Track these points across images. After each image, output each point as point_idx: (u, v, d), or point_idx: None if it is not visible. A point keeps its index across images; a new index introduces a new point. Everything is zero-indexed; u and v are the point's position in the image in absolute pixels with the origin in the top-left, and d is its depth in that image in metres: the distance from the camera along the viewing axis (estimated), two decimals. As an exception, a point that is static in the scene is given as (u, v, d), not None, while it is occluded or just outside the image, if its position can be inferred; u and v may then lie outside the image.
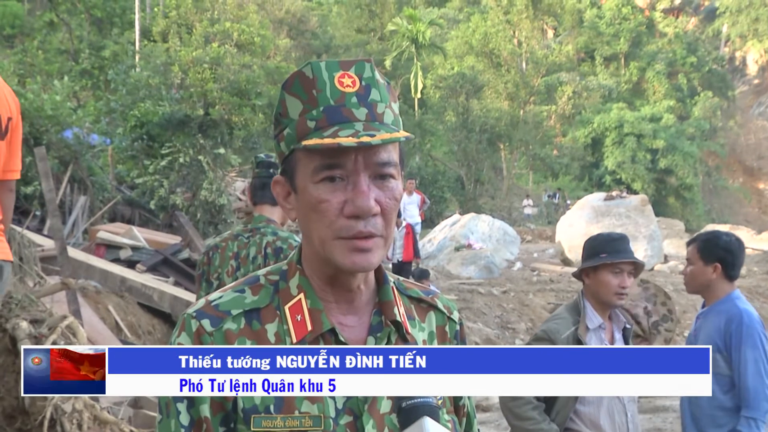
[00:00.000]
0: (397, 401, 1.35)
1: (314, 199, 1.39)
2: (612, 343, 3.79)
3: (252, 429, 1.38)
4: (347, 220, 1.38)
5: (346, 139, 1.34)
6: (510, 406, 3.62)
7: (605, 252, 3.76)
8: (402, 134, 1.40)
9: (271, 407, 1.39)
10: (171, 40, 23.94)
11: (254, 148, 22.72)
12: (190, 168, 16.67)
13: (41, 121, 14.03)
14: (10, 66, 24.14)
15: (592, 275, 3.78)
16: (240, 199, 19.82)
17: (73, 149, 15.42)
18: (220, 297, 1.46)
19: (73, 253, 9.53)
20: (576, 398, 3.67)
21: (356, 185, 1.38)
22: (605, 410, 3.71)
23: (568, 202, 42.15)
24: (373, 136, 1.35)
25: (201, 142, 16.85)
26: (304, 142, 1.37)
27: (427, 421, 1.29)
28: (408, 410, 1.32)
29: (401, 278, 1.62)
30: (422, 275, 11.10)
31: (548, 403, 3.71)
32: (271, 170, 4.01)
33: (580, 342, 3.65)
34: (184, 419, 1.39)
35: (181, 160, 16.53)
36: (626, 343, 3.85)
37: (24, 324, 4.51)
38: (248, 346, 1.41)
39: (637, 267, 3.79)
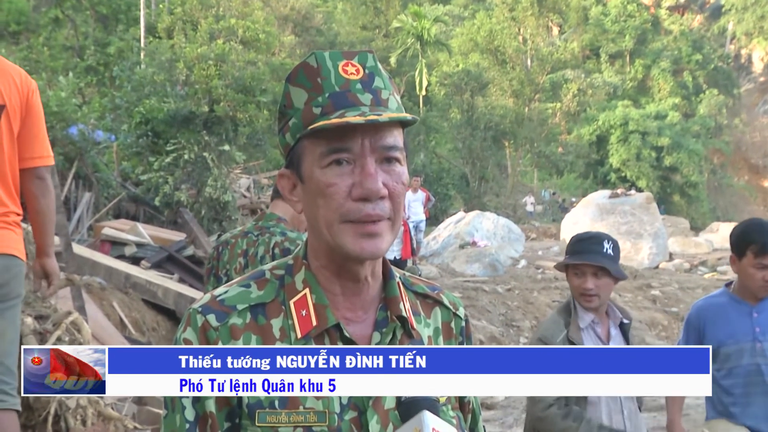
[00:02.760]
0: (398, 395, 1.35)
1: (322, 184, 1.39)
2: (608, 340, 3.77)
3: (257, 424, 1.38)
4: (355, 203, 1.38)
5: (354, 118, 1.34)
6: (542, 428, 3.63)
7: (569, 253, 3.77)
8: (408, 114, 1.41)
9: (276, 402, 1.38)
10: (176, 36, 23.93)
11: (259, 145, 22.72)
12: (195, 165, 16.68)
13: (46, 118, 14.03)
14: (15, 62, 24.14)
15: (567, 276, 3.81)
16: (244, 196, 19.83)
17: (78, 146, 15.44)
18: (226, 292, 1.46)
19: (78, 249, 9.54)
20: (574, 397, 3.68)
21: (364, 168, 1.38)
22: (603, 408, 3.70)
23: (573, 200, 42.14)
24: (379, 115, 1.36)
25: (206, 138, 16.85)
26: (312, 126, 1.37)
27: (427, 415, 1.29)
28: (408, 404, 1.33)
29: (407, 274, 1.61)
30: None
31: None
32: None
33: (572, 344, 3.65)
34: (190, 414, 1.39)
35: (186, 156, 16.54)
36: (625, 337, 3.84)
37: (29, 320, 4.52)
38: (254, 341, 1.41)
39: (607, 268, 3.71)
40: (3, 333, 3.73)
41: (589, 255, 3.70)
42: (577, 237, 3.88)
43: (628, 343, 3.84)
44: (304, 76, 1.43)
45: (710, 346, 1.39)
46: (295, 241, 3.78)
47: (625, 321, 3.85)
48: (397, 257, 13.52)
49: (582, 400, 3.68)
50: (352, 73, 1.42)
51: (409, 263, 15.17)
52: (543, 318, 13.60)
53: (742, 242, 3.85)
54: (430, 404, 1.32)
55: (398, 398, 1.35)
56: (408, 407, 1.32)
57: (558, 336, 3.69)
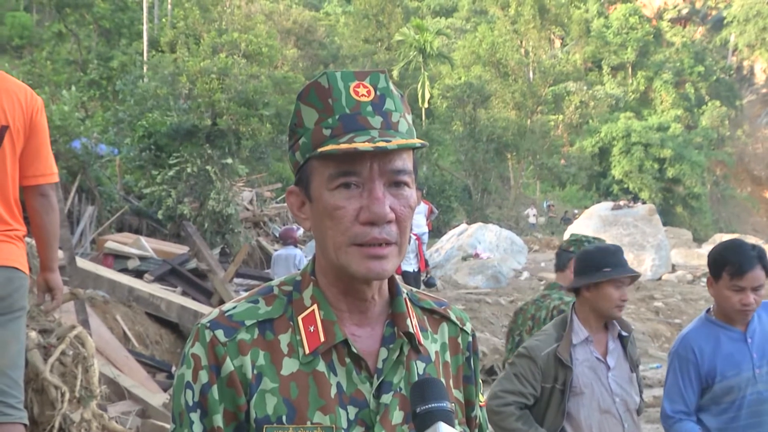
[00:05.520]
0: (413, 406, 1.35)
1: (330, 206, 1.39)
2: (605, 354, 3.75)
3: (264, 439, 1.38)
4: (362, 226, 1.38)
5: (362, 144, 1.34)
6: (495, 420, 3.60)
7: (608, 266, 3.72)
8: (417, 141, 1.41)
9: (284, 417, 1.38)
10: (179, 50, 24.01)
11: (261, 158, 22.78)
12: (198, 178, 16.70)
13: (49, 132, 14.05)
14: (18, 76, 24.25)
15: (594, 289, 3.74)
16: (247, 209, 19.82)
17: (81, 159, 15.46)
18: (234, 307, 1.46)
19: (82, 263, 9.53)
20: (563, 417, 3.67)
21: (371, 192, 1.38)
22: (595, 426, 3.69)
23: (576, 211, 42.15)
24: (388, 141, 1.36)
25: (208, 152, 16.88)
26: (320, 149, 1.37)
27: (442, 426, 1.29)
28: (423, 415, 1.32)
29: (414, 289, 1.61)
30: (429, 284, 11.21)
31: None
32: (571, 249, 4.61)
33: (559, 361, 3.65)
34: (197, 429, 1.39)
35: (189, 170, 16.56)
36: (624, 350, 3.82)
37: (33, 334, 4.51)
38: (262, 356, 1.41)
39: (633, 278, 3.79)
40: (6, 344, 3.73)
41: (628, 267, 3.79)
42: (605, 250, 3.86)
43: (626, 356, 3.82)
44: (315, 95, 1.43)
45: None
46: (568, 303, 4.24)
47: (624, 333, 3.84)
48: (415, 269, 13.49)
49: (557, 414, 3.68)
50: (363, 95, 1.41)
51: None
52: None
53: (719, 263, 3.65)
54: (446, 415, 1.32)
55: (413, 409, 1.35)
56: (423, 418, 1.32)
57: (545, 349, 3.68)
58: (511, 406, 3.63)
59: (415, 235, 13.98)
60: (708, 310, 3.83)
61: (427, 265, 15.16)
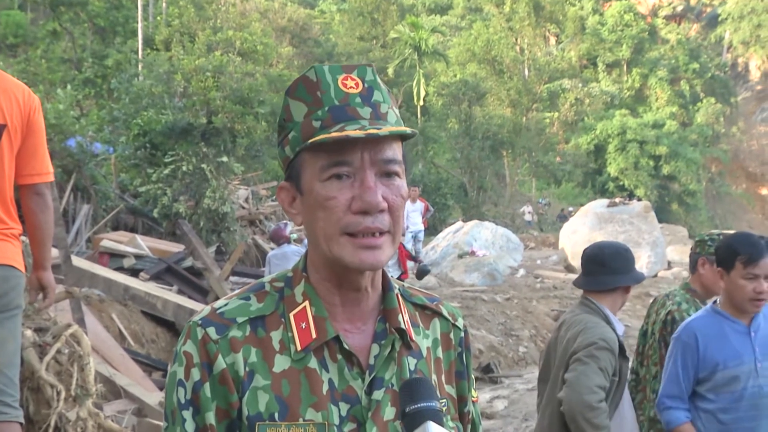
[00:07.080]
0: (402, 406, 1.36)
1: (321, 197, 1.40)
2: None
3: (257, 437, 1.38)
4: (355, 216, 1.39)
5: (353, 132, 1.35)
6: (590, 417, 3.54)
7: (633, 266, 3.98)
8: (407, 128, 1.42)
9: (276, 415, 1.39)
10: (174, 48, 23.92)
11: (257, 156, 22.74)
12: (193, 176, 16.66)
13: (45, 130, 14.01)
14: (13, 75, 24.11)
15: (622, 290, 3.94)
16: (243, 207, 19.80)
17: (77, 158, 15.42)
18: (226, 304, 1.46)
19: (77, 261, 9.52)
20: (616, 409, 3.75)
21: (363, 181, 1.39)
22: (630, 417, 3.75)
23: (571, 209, 42.20)
24: (379, 129, 1.37)
25: (204, 150, 16.83)
26: (311, 140, 1.38)
27: (431, 426, 1.30)
28: (412, 415, 1.33)
29: (406, 285, 1.62)
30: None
31: None
32: (697, 250, 4.53)
33: (622, 348, 3.76)
34: (190, 426, 1.40)
35: (184, 168, 16.52)
36: None
37: (28, 332, 4.52)
38: (254, 353, 1.42)
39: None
40: (3, 343, 3.74)
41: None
42: (624, 248, 4.06)
43: None
44: (303, 89, 1.44)
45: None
46: (682, 312, 4.30)
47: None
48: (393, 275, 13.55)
49: (612, 407, 3.72)
50: (351, 87, 1.42)
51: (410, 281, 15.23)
52: (542, 327, 13.61)
53: (729, 254, 3.71)
54: (434, 414, 1.33)
55: (402, 409, 1.35)
56: (412, 418, 1.33)
57: (616, 342, 3.74)
58: (604, 402, 3.62)
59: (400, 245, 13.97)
60: (714, 302, 3.88)
61: (412, 259, 15.17)
